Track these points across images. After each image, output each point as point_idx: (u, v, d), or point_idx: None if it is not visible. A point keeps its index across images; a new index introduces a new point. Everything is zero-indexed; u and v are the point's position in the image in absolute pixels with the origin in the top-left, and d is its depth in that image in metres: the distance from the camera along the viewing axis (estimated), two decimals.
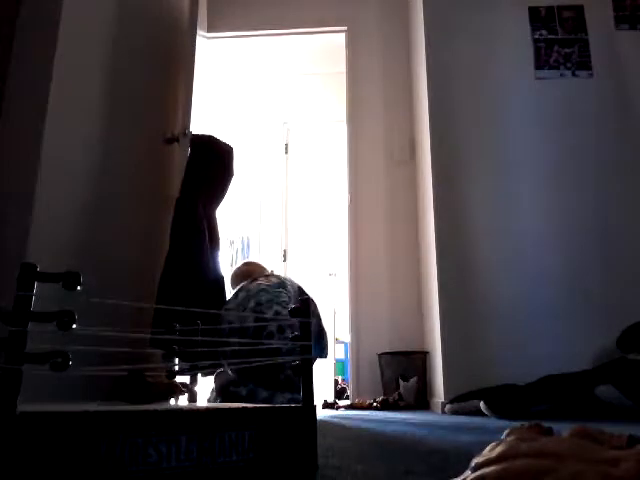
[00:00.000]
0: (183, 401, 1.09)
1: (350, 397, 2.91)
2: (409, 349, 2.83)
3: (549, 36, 2.62)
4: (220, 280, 2.13)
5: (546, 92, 2.55)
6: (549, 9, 2.65)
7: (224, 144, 2.29)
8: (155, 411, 0.60)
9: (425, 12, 2.75)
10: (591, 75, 2.56)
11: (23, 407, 0.51)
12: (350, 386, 3.00)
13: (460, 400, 2.09)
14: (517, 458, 0.39)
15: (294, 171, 4.83)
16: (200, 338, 0.94)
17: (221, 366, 1.53)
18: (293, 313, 0.78)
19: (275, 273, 2.25)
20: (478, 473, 0.40)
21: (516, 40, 2.63)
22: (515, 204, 2.43)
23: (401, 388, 2.66)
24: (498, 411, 1.84)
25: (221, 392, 1.73)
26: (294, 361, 0.76)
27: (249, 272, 2.20)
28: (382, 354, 2.85)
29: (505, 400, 1.87)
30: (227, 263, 4.30)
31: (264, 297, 1.87)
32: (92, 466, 0.53)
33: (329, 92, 4.40)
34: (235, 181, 2.32)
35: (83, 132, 1.67)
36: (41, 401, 0.86)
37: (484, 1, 2.71)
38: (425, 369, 2.71)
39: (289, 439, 0.69)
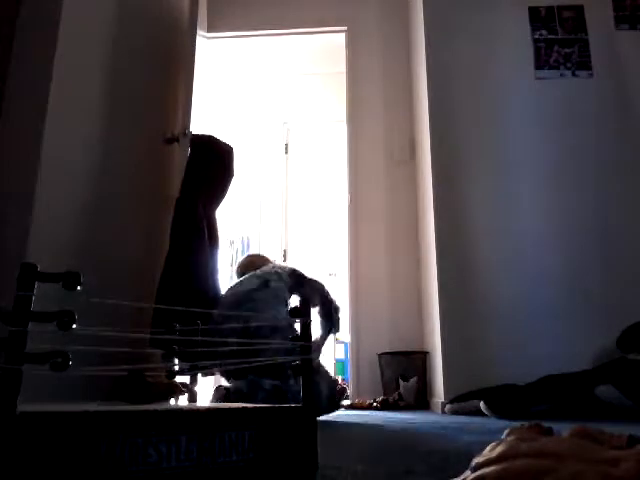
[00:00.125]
0: (183, 401, 1.09)
1: (350, 397, 2.91)
2: (409, 349, 2.83)
3: (549, 36, 2.62)
4: (219, 281, 2.13)
5: (546, 92, 2.55)
6: (549, 9, 2.65)
7: (224, 144, 2.29)
8: (155, 411, 0.60)
9: (425, 12, 2.75)
10: (591, 75, 2.56)
11: (23, 407, 0.51)
12: (350, 386, 3.00)
13: (460, 400, 2.09)
14: (517, 458, 0.39)
15: (294, 171, 4.83)
16: (200, 338, 0.94)
17: (221, 366, 1.53)
18: (293, 313, 0.78)
19: (275, 263, 2.22)
20: (478, 473, 0.40)
21: (516, 40, 2.63)
22: (515, 204, 2.43)
23: (401, 388, 2.66)
24: (498, 411, 1.84)
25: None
26: (294, 360, 0.76)
27: (252, 263, 2.19)
28: (382, 354, 2.85)
29: (505, 400, 1.87)
30: (227, 263, 4.30)
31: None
32: (92, 466, 0.53)
33: (329, 92, 4.40)
34: (235, 181, 2.32)
35: (83, 132, 1.67)
36: (41, 401, 0.86)
37: (484, 1, 2.71)
38: (425, 369, 2.71)
39: (289, 439, 0.69)
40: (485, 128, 2.55)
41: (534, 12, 2.66)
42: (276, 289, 1.86)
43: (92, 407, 0.62)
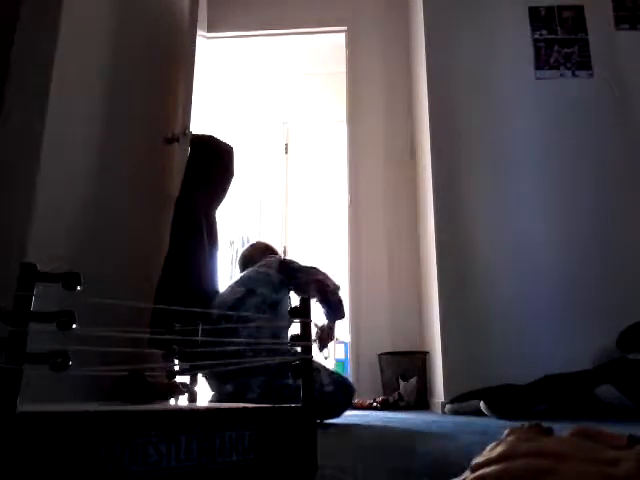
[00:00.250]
0: (183, 401, 1.09)
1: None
2: (409, 349, 2.83)
3: (549, 36, 2.62)
4: (218, 281, 2.13)
5: (546, 92, 2.55)
6: (549, 9, 2.65)
7: (224, 144, 2.29)
8: (155, 411, 0.60)
9: (425, 12, 2.75)
10: (591, 75, 2.56)
11: (23, 407, 0.51)
12: None
13: (460, 400, 2.09)
14: (517, 458, 0.39)
15: (294, 171, 4.83)
16: (199, 338, 0.94)
17: (220, 366, 1.52)
18: (293, 313, 0.78)
19: (270, 259, 2.14)
20: (478, 473, 0.40)
21: (516, 40, 2.63)
22: (515, 204, 2.44)
23: (401, 388, 2.66)
24: (498, 411, 1.84)
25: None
26: (294, 360, 0.76)
27: (251, 257, 2.16)
28: (382, 354, 2.85)
29: (505, 400, 1.87)
30: (227, 263, 4.30)
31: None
32: (92, 466, 0.53)
33: (329, 92, 4.40)
34: (235, 181, 2.32)
35: (83, 132, 1.67)
36: (41, 401, 0.86)
37: (484, 1, 2.71)
38: (425, 369, 2.71)
39: (289, 439, 0.69)
40: (485, 128, 2.55)
41: (534, 12, 2.66)
42: (263, 295, 1.81)
43: (92, 407, 0.62)
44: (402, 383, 2.67)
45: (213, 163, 2.21)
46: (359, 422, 1.71)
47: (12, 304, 0.52)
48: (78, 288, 0.55)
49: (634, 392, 1.81)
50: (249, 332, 1.71)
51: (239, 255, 2.24)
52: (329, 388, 1.67)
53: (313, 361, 0.76)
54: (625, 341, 2.01)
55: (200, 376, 1.62)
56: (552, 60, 2.59)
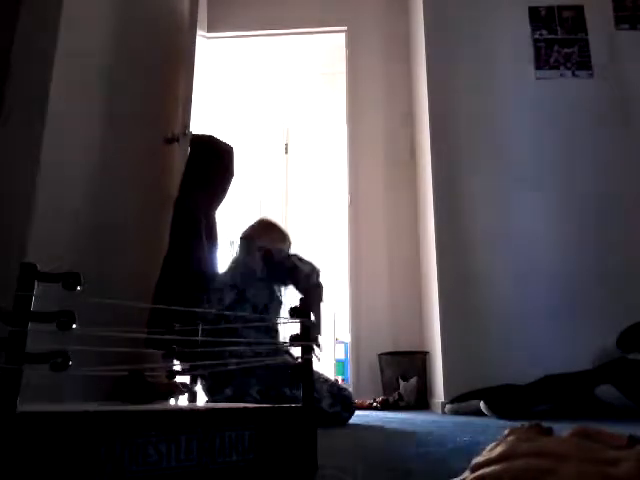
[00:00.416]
0: (183, 401, 1.09)
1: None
2: (409, 349, 2.83)
3: (549, 36, 2.62)
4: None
5: (546, 92, 2.55)
6: (549, 9, 2.65)
7: (224, 144, 2.29)
8: (155, 411, 0.60)
9: (425, 12, 2.75)
10: (591, 75, 2.56)
11: (23, 407, 0.51)
12: (350, 386, 3.00)
13: (460, 400, 2.09)
14: (517, 458, 0.39)
15: (294, 171, 4.83)
16: (199, 338, 0.94)
17: (220, 366, 1.52)
18: (292, 314, 0.78)
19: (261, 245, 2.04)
20: (478, 473, 0.40)
21: (516, 40, 2.63)
22: (515, 204, 2.44)
23: (401, 388, 2.66)
24: (498, 411, 1.84)
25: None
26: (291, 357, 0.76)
27: (251, 237, 2.10)
28: (382, 354, 2.85)
29: (505, 400, 1.87)
30: (227, 263, 4.29)
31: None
32: (92, 466, 0.53)
33: (329, 92, 4.40)
34: (235, 181, 2.32)
35: (83, 132, 1.67)
36: (41, 401, 0.86)
37: (484, 1, 2.71)
38: (425, 369, 2.71)
39: (289, 439, 0.69)
40: (485, 128, 2.55)
41: (534, 12, 2.66)
42: (254, 301, 1.80)
43: (92, 407, 0.62)
44: (402, 383, 2.67)
45: (213, 163, 2.21)
46: (359, 422, 1.71)
47: (12, 304, 0.52)
48: (78, 288, 0.55)
49: (634, 392, 1.81)
50: (247, 334, 1.70)
51: (245, 230, 2.16)
52: (329, 402, 1.64)
53: (314, 372, 0.75)
54: (625, 341, 2.01)
55: (199, 384, 1.61)
56: (552, 60, 2.59)
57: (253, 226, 2.16)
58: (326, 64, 4.16)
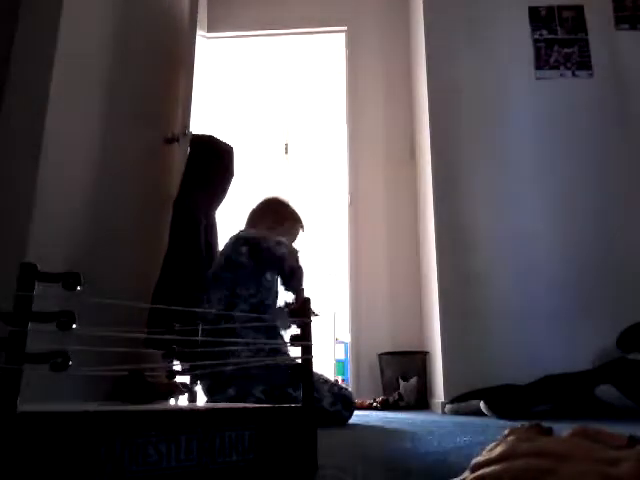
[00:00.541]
0: (183, 401, 1.09)
1: None
2: (409, 349, 2.83)
3: (549, 36, 2.62)
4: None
5: (546, 92, 2.55)
6: (549, 9, 2.66)
7: (224, 144, 2.29)
8: (155, 411, 0.60)
9: (425, 12, 2.75)
10: (591, 75, 2.56)
11: (23, 407, 0.51)
12: (350, 386, 3.00)
13: (460, 400, 2.09)
14: (517, 458, 0.39)
15: (294, 171, 4.83)
16: (199, 338, 0.94)
17: (220, 367, 1.52)
18: (293, 313, 0.78)
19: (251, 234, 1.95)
20: (478, 473, 0.40)
21: (516, 40, 2.63)
22: (515, 204, 2.44)
23: (401, 388, 2.66)
24: (498, 411, 1.84)
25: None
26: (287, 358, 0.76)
27: (254, 214, 2.06)
28: (382, 354, 2.85)
29: (505, 400, 1.87)
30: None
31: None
32: (92, 466, 0.53)
33: (329, 92, 4.40)
34: (235, 181, 2.32)
35: (83, 132, 1.67)
36: (41, 401, 0.86)
37: (484, 1, 2.71)
38: (425, 369, 2.71)
39: (289, 439, 0.69)
40: (485, 128, 2.55)
41: (534, 12, 2.66)
42: (247, 301, 1.76)
43: (92, 407, 0.62)
44: (402, 383, 2.67)
45: (213, 163, 2.21)
46: (359, 422, 1.71)
47: (12, 304, 0.52)
48: (78, 288, 0.55)
49: (634, 392, 1.81)
50: (245, 334, 1.69)
51: (253, 209, 2.12)
52: (329, 401, 1.63)
53: (314, 373, 0.75)
54: (625, 341, 2.01)
55: (198, 385, 1.60)
56: (552, 60, 2.59)
57: (255, 211, 2.10)
58: (326, 64, 4.16)
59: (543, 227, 2.39)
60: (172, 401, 1.09)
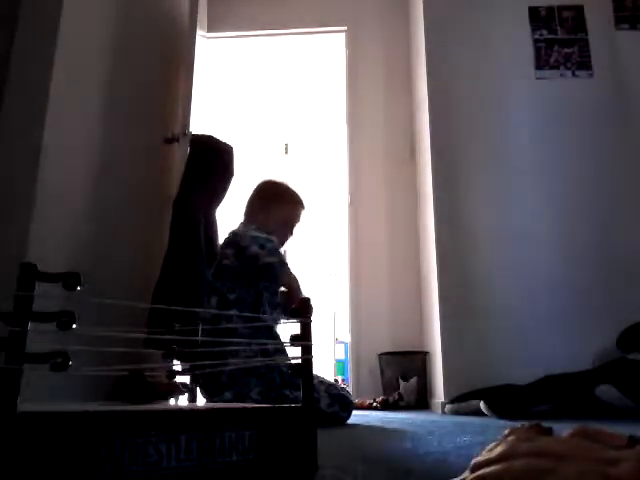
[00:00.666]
0: (183, 401, 1.09)
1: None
2: (409, 349, 2.83)
3: (549, 36, 2.62)
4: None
5: (546, 92, 2.55)
6: (549, 9, 2.65)
7: (224, 144, 2.29)
8: (155, 411, 0.60)
9: (425, 12, 2.75)
10: (591, 75, 2.56)
11: (23, 407, 0.51)
12: (350, 386, 3.00)
13: (460, 400, 2.09)
14: (517, 458, 0.39)
15: (294, 171, 4.83)
16: (199, 338, 0.94)
17: (221, 366, 1.52)
18: (293, 313, 0.78)
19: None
20: (478, 473, 0.40)
21: (516, 40, 2.63)
22: (515, 204, 2.44)
23: (401, 388, 2.66)
24: (498, 411, 1.84)
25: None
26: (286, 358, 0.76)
27: (253, 200, 1.98)
28: (382, 354, 2.85)
29: (505, 400, 1.87)
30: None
31: None
32: (92, 466, 0.53)
33: (329, 92, 4.41)
34: (235, 181, 2.32)
35: (83, 132, 1.67)
36: (41, 401, 0.86)
37: (484, 1, 2.71)
38: (425, 369, 2.71)
39: (289, 439, 0.69)
40: (485, 128, 2.55)
41: (534, 12, 2.66)
42: (239, 302, 1.73)
43: (92, 407, 0.62)
44: (402, 383, 2.67)
45: (212, 163, 2.21)
46: (359, 422, 1.70)
47: (12, 304, 0.52)
48: (78, 288, 0.55)
49: (634, 392, 1.81)
50: (241, 335, 1.67)
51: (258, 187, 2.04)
52: (327, 402, 1.61)
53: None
54: (625, 341, 2.01)
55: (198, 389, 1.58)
56: (552, 60, 2.59)
57: (249, 201, 2.00)
58: (326, 64, 4.16)
59: (543, 227, 2.39)
60: (172, 401, 1.09)
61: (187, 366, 0.99)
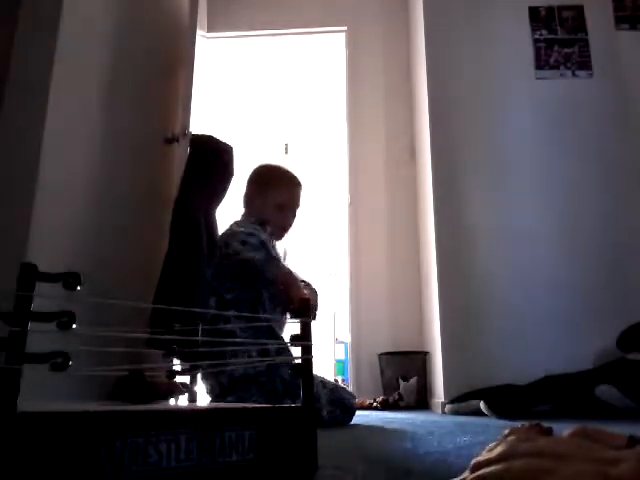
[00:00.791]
0: (183, 401, 1.09)
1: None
2: (409, 349, 2.83)
3: (549, 36, 2.62)
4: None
5: (546, 92, 2.55)
6: (549, 9, 2.65)
7: (224, 144, 2.29)
8: (155, 411, 0.60)
9: (425, 12, 2.75)
10: (591, 75, 2.56)
11: (23, 407, 0.51)
12: (350, 386, 3.00)
13: (460, 400, 2.09)
14: (517, 458, 0.39)
15: (294, 171, 4.83)
16: (200, 338, 0.94)
17: (221, 366, 1.52)
18: (292, 314, 0.78)
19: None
20: (478, 473, 0.40)
21: (516, 40, 2.63)
22: (515, 204, 2.44)
23: (401, 388, 2.66)
24: (498, 411, 1.84)
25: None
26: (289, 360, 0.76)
27: (249, 200, 1.90)
28: (382, 354, 2.85)
29: (505, 400, 1.87)
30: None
31: None
32: (92, 466, 0.53)
33: (329, 92, 4.40)
34: (235, 181, 2.32)
35: (83, 132, 1.67)
36: (41, 401, 0.86)
37: (484, 1, 2.71)
38: (425, 369, 2.71)
39: (289, 439, 0.69)
40: (485, 128, 2.55)
41: (534, 12, 2.66)
42: (236, 302, 1.70)
43: (92, 407, 0.62)
44: (402, 383, 2.67)
45: (212, 163, 2.21)
46: (359, 422, 1.70)
47: (12, 304, 0.52)
48: (78, 288, 0.55)
49: (634, 392, 1.81)
50: (242, 336, 1.65)
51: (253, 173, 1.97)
52: (328, 409, 1.58)
53: (315, 376, 0.75)
54: (625, 341, 2.01)
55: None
56: (552, 60, 2.59)
57: (248, 188, 1.92)
58: (326, 64, 4.16)
59: (543, 227, 2.39)
60: (172, 401, 1.09)
61: (187, 366, 0.99)
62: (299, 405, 0.72)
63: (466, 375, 2.20)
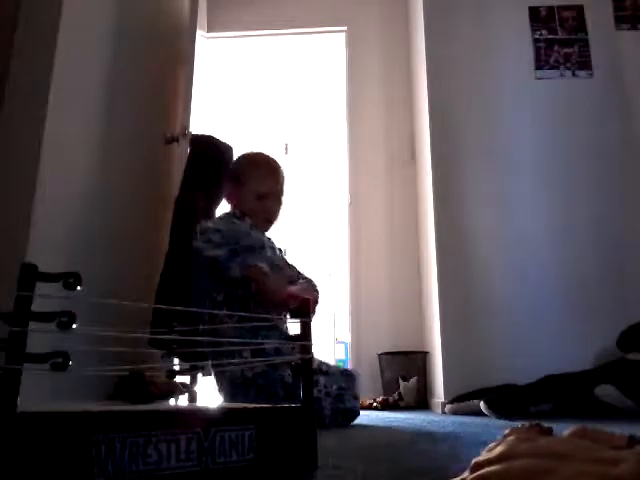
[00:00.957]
0: (183, 401, 1.09)
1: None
2: (409, 349, 2.83)
3: (549, 36, 2.62)
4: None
5: (546, 92, 2.55)
6: (549, 9, 2.65)
7: (224, 143, 2.29)
8: (155, 411, 0.60)
9: (425, 12, 2.75)
10: (591, 75, 2.56)
11: (23, 407, 0.51)
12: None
13: (460, 400, 2.09)
14: (517, 458, 0.39)
15: (294, 171, 4.83)
16: (200, 338, 0.94)
17: (222, 366, 1.51)
18: (293, 315, 0.78)
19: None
20: (478, 473, 0.40)
21: (516, 40, 2.63)
22: (515, 204, 2.44)
23: (401, 388, 2.66)
24: (498, 411, 1.84)
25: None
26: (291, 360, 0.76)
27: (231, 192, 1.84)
28: (382, 354, 2.85)
29: (505, 400, 1.87)
30: None
31: None
32: (92, 466, 0.53)
33: (329, 92, 4.40)
34: None
35: (83, 132, 1.67)
36: (41, 401, 0.86)
37: (484, 1, 2.71)
38: (425, 369, 2.71)
39: (289, 439, 0.69)
40: (485, 128, 2.55)
41: (534, 12, 2.66)
42: (225, 301, 1.66)
43: (92, 407, 0.63)
44: (402, 383, 2.67)
45: (212, 162, 2.21)
46: (359, 422, 1.71)
47: (12, 304, 0.52)
48: (78, 288, 0.55)
49: (634, 392, 1.81)
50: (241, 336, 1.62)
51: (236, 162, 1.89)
52: (329, 418, 1.54)
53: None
54: (625, 341, 2.01)
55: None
56: (552, 60, 2.59)
57: (228, 180, 1.84)
58: (326, 64, 4.16)
59: (543, 227, 2.39)
60: (172, 401, 1.09)
61: (187, 366, 0.99)
62: (299, 405, 0.72)
63: (466, 375, 2.20)
